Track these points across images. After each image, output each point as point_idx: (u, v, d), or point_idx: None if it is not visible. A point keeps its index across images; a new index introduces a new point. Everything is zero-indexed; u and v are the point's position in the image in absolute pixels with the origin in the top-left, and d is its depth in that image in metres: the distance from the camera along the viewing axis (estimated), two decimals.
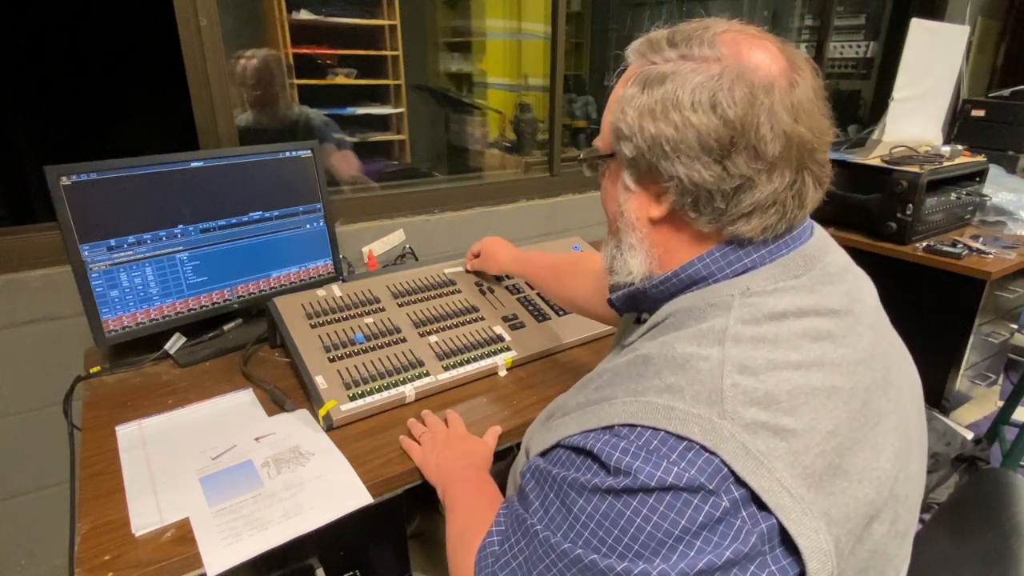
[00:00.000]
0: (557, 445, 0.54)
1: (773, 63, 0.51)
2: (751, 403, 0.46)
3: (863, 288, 0.60)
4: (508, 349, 1.13)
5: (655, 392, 0.49)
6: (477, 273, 1.30)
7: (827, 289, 0.54)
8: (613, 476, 0.47)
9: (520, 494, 0.58)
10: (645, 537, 0.45)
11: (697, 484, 0.44)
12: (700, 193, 0.52)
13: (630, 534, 0.45)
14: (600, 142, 0.61)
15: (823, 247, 0.58)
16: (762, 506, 0.44)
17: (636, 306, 0.65)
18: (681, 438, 0.46)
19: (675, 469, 0.45)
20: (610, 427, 0.50)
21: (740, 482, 0.44)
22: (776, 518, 0.44)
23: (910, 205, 1.89)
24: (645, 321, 0.62)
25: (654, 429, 0.47)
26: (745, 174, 0.51)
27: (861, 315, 0.55)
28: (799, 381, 0.48)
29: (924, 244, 1.93)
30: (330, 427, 0.92)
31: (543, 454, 0.56)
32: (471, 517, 0.71)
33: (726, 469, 0.44)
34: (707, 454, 0.45)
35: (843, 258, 0.61)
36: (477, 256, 1.28)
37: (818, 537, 0.44)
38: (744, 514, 0.44)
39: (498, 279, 1.32)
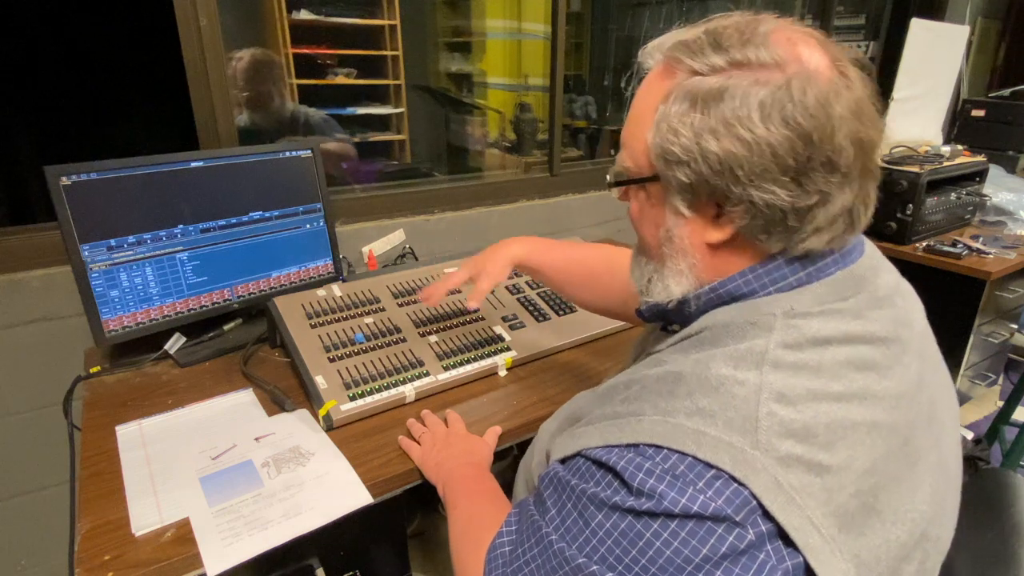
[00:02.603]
0: (578, 454, 0.52)
1: (827, 63, 0.47)
2: (787, 435, 0.44)
3: (912, 311, 0.57)
4: (508, 349, 1.13)
5: (685, 414, 0.47)
6: None
7: (875, 314, 0.51)
8: (635, 497, 0.45)
9: (537, 498, 0.56)
10: (664, 561, 0.43)
11: (723, 515, 0.42)
12: (774, 215, 0.48)
13: (648, 556, 0.44)
14: (631, 162, 0.55)
15: (874, 267, 0.54)
16: (789, 542, 0.42)
17: (666, 318, 0.61)
18: (710, 466, 0.44)
19: (701, 497, 0.43)
20: (635, 445, 0.47)
21: (768, 516, 0.42)
22: (803, 557, 0.42)
23: (910, 205, 1.90)
24: (673, 330, 0.59)
25: (681, 453, 0.45)
26: (822, 189, 0.47)
27: (909, 343, 0.52)
28: (839, 414, 0.45)
29: (924, 244, 1.93)
30: (330, 427, 0.92)
31: (563, 461, 0.54)
32: (474, 513, 0.71)
33: (755, 502, 0.42)
34: (736, 485, 0.43)
35: (893, 278, 0.57)
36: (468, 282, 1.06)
37: None
38: (769, 548, 0.42)
39: None
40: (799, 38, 0.48)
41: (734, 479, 0.43)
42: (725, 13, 0.52)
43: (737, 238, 0.51)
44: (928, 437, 0.51)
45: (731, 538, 0.42)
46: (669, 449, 0.45)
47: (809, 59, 0.47)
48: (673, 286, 0.55)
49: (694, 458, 0.44)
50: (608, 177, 0.59)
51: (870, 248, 0.57)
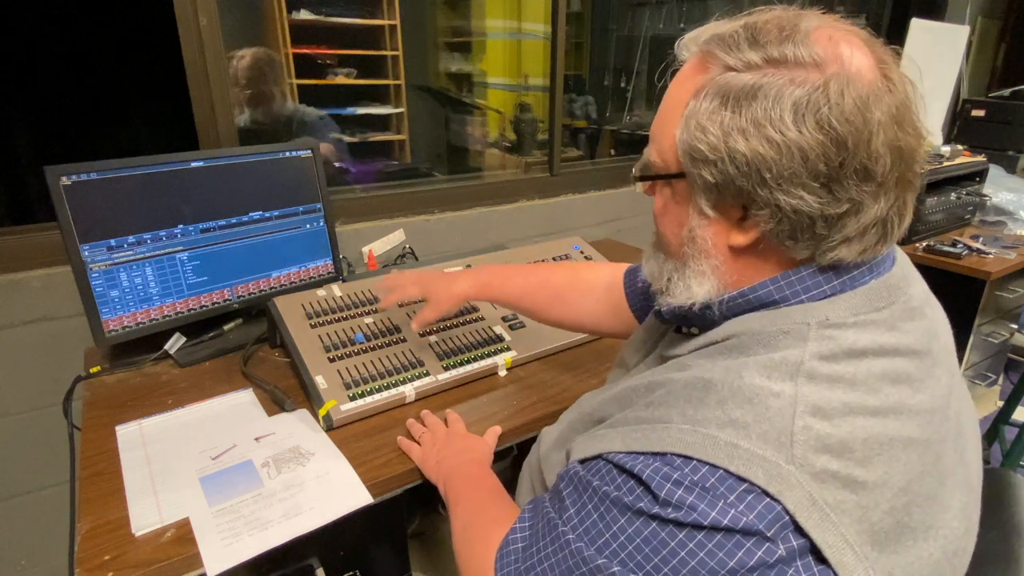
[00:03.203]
0: (599, 457, 0.51)
1: (871, 64, 0.45)
2: (823, 450, 0.43)
3: (940, 324, 0.55)
4: (508, 349, 1.13)
5: (717, 425, 0.45)
6: None
7: (909, 326, 0.50)
8: (661, 506, 0.44)
9: (555, 496, 0.55)
10: (688, 571, 0.42)
11: (754, 529, 0.41)
12: (801, 220, 0.46)
13: (672, 564, 0.43)
14: (658, 157, 0.53)
15: (906, 276, 0.53)
16: (820, 559, 0.41)
17: (686, 320, 0.59)
18: (742, 479, 0.42)
19: (732, 512, 0.42)
20: (662, 454, 0.46)
21: (801, 532, 0.41)
22: (835, 574, 0.41)
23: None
24: (691, 333, 0.58)
25: (712, 466, 0.43)
26: (854, 198, 0.45)
27: (939, 355, 0.51)
28: (875, 429, 0.44)
29: (924, 244, 1.93)
30: (330, 427, 0.92)
31: (583, 461, 0.53)
32: (478, 510, 0.71)
33: (787, 517, 0.41)
34: (768, 499, 0.42)
35: (923, 288, 0.56)
36: (402, 303, 1.11)
37: None
38: (799, 564, 0.42)
39: None
40: (842, 36, 0.46)
41: (767, 494, 0.42)
42: (766, 7, 0.50)
43: (762, 243, 0.49)
44: (955, 453, 0.50)
45: (760, 552, 0.41)
46: (699, 460, 0.44)
47: (851, 59, 0.45)
48: (695, 287, 0.54)
49: (725, 471, 0.43)
50: (633, 170, 0.57)
51: (901, 257, 0.55)
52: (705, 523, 0.42)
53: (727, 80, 0.47)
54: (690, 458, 0.45)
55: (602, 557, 0.46)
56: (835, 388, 0.45)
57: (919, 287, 0.55)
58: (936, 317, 0.55)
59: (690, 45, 0.52)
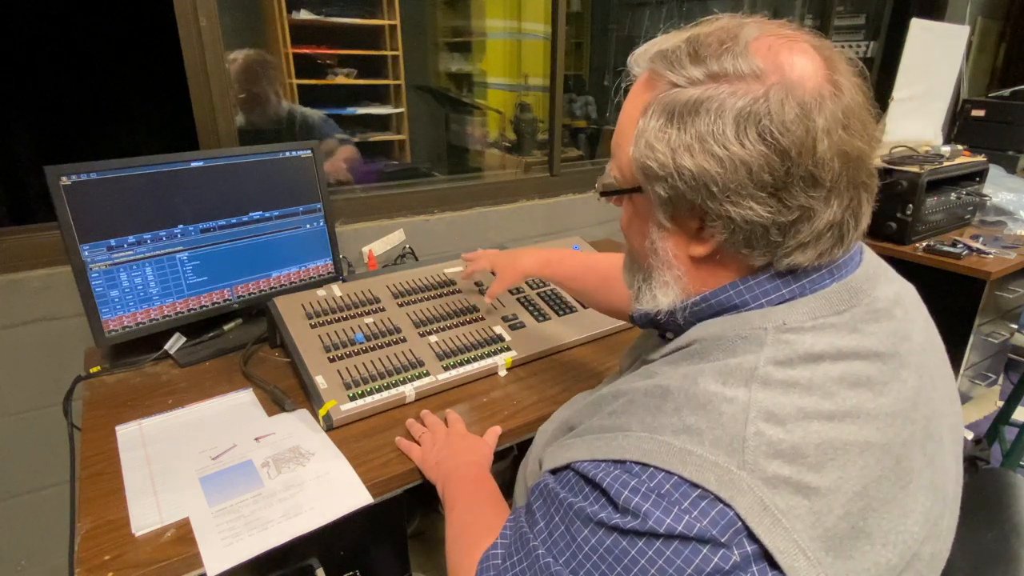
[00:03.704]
0: (568, 467, 0.52)
1: (816, 69, 0.45)
2: (775, 455, 0.43)
3: (912, 324, 0.54)
4: (508, 349, 1.13)
5: (672, 432, 0.46)
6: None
7: (871, 328, 0.49)
8: (621, 515, 0.45)
9: (528, 510, 0.56)
10: None
11: (708, 536, 0.42)
12: (754, 230, 0.47)
13: (633, 573, 0.43)
14: (618, 172, 0.54)
15: (871, 277, 0.53)
16: (775, 565, 0.41)
17: (658, 326, 0.61)
18: (695, 485, 0.43)
19: (686, 518, 0.42)
20: (622, 462, 0.47)
21: (753, 538, 0.42)
22: None
23: (910, 205, 1.90)
24: (668, 338, 0.59)
25: (667, 472, 0.44)
26: (803, 204, 0.45)
27: (907, 357, 0.51)
28: (830, 434, 0.44)
29: (924, 244, 1.93)
30: (330, 427, 0.92)
31: (554, 472, 0.54)
32: (470, 517, 0.71)
33: (740, 523, 0.42)
34: (721, 505, 0.42)
35: (893, 289, 0.55)
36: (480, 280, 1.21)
37: None
38: (755, 569, 0.42)
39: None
40: (783, 44, 0.46)
41: (719, 499, 0.42)
42: (713, 16, 0.51)
43: (720, 252, 0.50)
44: (922, 456, 0.49)
45: (716, 559, 0.41)
46: (655, 467, 0.45)
47: (792, 67, 0.45)
48: (660, 296, 0.55)
49: (680, 477, 0.44)
50: (596, 186, 0.58)
51: (869, 257, 0.55)
52: (661, 531, 0.42)
53: (672, 97, 0.47)
54: (647, 465, 0.45)
55: (568, 571, 0.47)
56: (789, 393, 0.45)
57: (888, 288, 0.54)
58: (908, 318, 0.54)
59: (640, 61, 0.52)
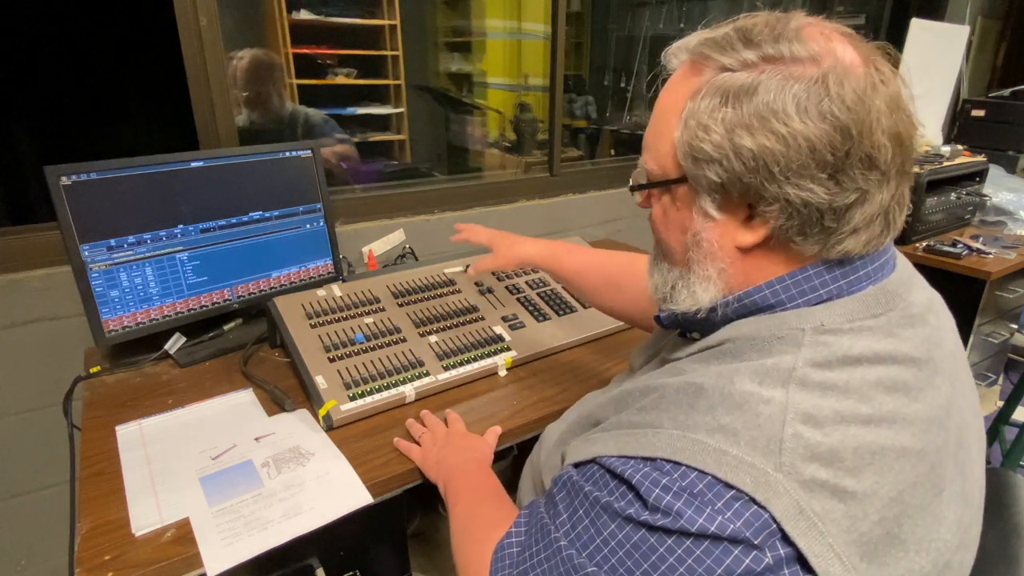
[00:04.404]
0: (593, 461, 0.51)
1: (861, 59, 0.46)
2: (812, 458, 0.42)
3: (944, 331, 0.54)
4: (508, 349, 1.13)
5: (706, 431, 0.45)
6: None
7: (907, 333, 0.49)
8: (650, 512, 0.44)
9: (549, 501, 0.55)
10: None
11: (741, 537, 0.41)
12: (811, 214, 0.46)
13: (660, 571, 0.43)
14: (655, 164, 0.53)
15: (907, 283, 0.52)
16: (808, 568, 0.41)
17: (687, 326, 0.59)
18: (730, 486, 0.42)
19: (719, 519, 0.42)
20: (652, 459, 0.46)
21: (788, 541, 0.41)
22: None
23: (910, 205, 1.89)
24: (692, 337, 0.58)
25: (701, 472, 0.43)
26: (861, 187, 0.45)
27: (940, 364, 0.50)
28: (867, 439, 0.44)
29: (924, 244, 1.93)
30: (330, 427, 0.92)
31: (577, 465, 0.53)
32: (476, 511, 0.71)
33: (775, 525, 0.41)
34: (756, 507, 0.41)
35: (926, 295, 0.55)
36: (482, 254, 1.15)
37: None
38: (786, 572, 0.41)
39: (498, 278, 1.31)
40: (832, 33, 0.47)
41: (754, 501, 0.42)
42: (752, 13, 0.51)
43: (770, 240, 0.49)
44: (954, 464, 0.49)
45: (748, 560, 0.41)
46: (688, 466, 0.44)
47: (843, 54, 0.46)
48: (700, 292, 0.53)
49: (714, 477, 0.43)
50: (630, 181, 0.56)
51: (902, 262, 0.55)
52: (692, 530, 0.42)
53: (725, 79, 0.47)
54: (679, 464, 0.44)
55: (592, 564, 0.46)
56: (827, 396, 0.45)
57: (922, 295, 0.54)
58: (940, 325, 0.54)
59: (679, 53, 0.52)
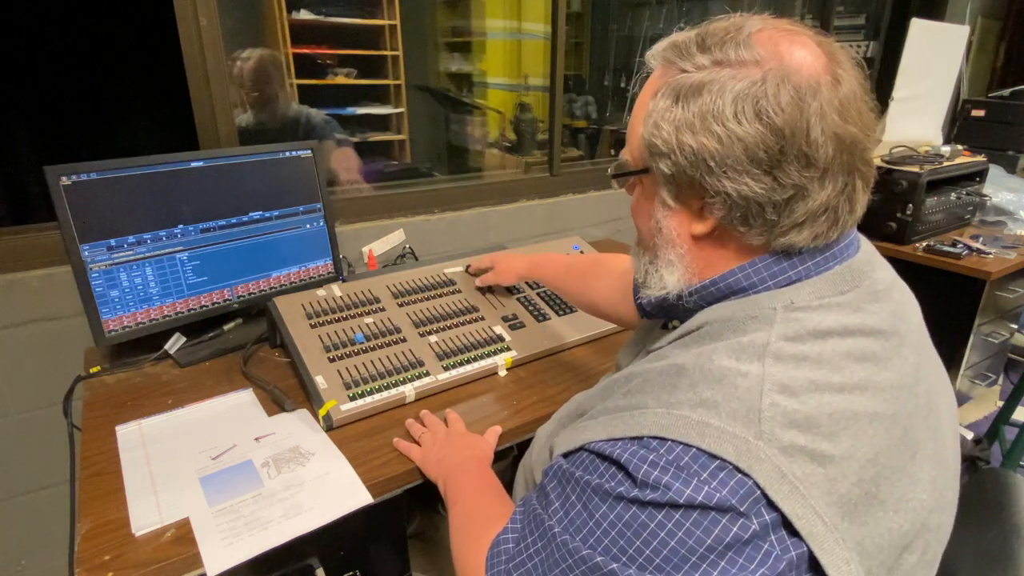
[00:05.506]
0: (582, 448, 0.53)
1: (815, 60, 0.48)
2: (790, 425, 0.44)
3: (908, 307, 0.58)
4: (508, 349, 1.13)
5: (689, 406, 0.47)
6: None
7: (873, 307, 0.52)
8: (639, 488, 0.46)
9: (540, 493, 0.56)
10: (668, 552, 0.44)
11: (728, 505, 0.43)
12: (750, 207, 0.49)
13: (652, 546, 0.44)
14: (629, 156, 0.58)
15: (870, 262, 0.56)
16: (793, 532, 0.43)
17: (667, 313, 0.63)
18: (714, 456, 0.44)
19: (706, 488, 0.43)
20: (639, 438, 0.48)
21: (772, 506, 0.43)
22: (807, 546, 0.43)
23: (910, 205, 1.90)
24: (673, 327, 0.60)
25: (686, 445, 0.45)
26: (797, 183, 0.48)
27: (907, 336, 0.53)
28: (841, 405, 0.46)
29: (924, 244, 1.93)
30: (330, 427, 0.92)
31: (567, 455, 0.55)
32: (475, 509, 0.71)
33: (759, 492, 0.43)
34: (740, 475, 0.43)
35: (889, 274, 0.58)
36: (485, 272, 1.25)
37: (849, 568, 0.43)
38: (773, 538, 0.43)
39: None
40: (783, 36, 0.50)
41: (738, 469, 0.43)
42: (723, 16, 0.54)
43: (718, 230, 0.53)
44: (926, 428, 0.52)
45: (735, 528, 0.43)
46: (673, 441, 0.46)
47: (791, 56, 0.48)
48: (667, 276, 0.57)
49: (698, 449, 0.45)
50: (609, 170, 0.61)
51: (866, 245, 0.58)
52: (681, 501, 0.43)
53: (679, 80, 0.51)
54: (665, 439, 0.47)
55: (586, 547, 0.47)
56: (801, 367, 0.47)
57: (885, 272, 0.57)
58: (903, 300, 0.57)
59: (655, 55, 0.56)
